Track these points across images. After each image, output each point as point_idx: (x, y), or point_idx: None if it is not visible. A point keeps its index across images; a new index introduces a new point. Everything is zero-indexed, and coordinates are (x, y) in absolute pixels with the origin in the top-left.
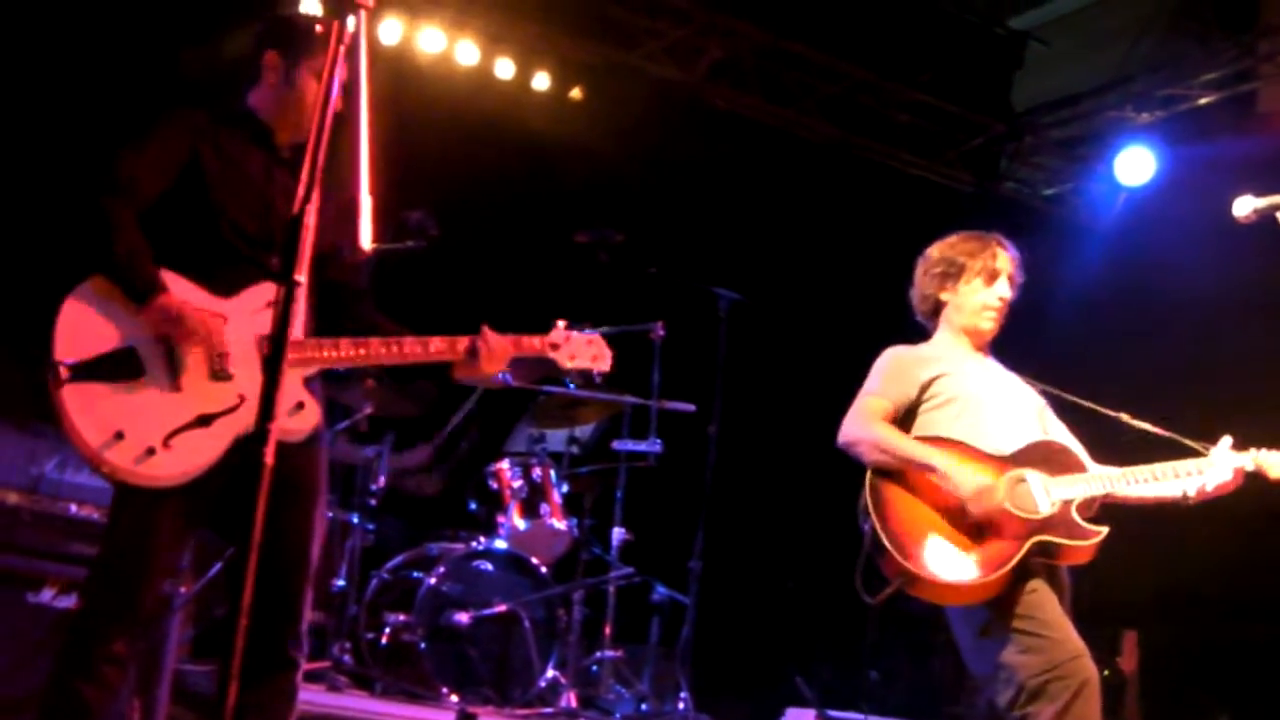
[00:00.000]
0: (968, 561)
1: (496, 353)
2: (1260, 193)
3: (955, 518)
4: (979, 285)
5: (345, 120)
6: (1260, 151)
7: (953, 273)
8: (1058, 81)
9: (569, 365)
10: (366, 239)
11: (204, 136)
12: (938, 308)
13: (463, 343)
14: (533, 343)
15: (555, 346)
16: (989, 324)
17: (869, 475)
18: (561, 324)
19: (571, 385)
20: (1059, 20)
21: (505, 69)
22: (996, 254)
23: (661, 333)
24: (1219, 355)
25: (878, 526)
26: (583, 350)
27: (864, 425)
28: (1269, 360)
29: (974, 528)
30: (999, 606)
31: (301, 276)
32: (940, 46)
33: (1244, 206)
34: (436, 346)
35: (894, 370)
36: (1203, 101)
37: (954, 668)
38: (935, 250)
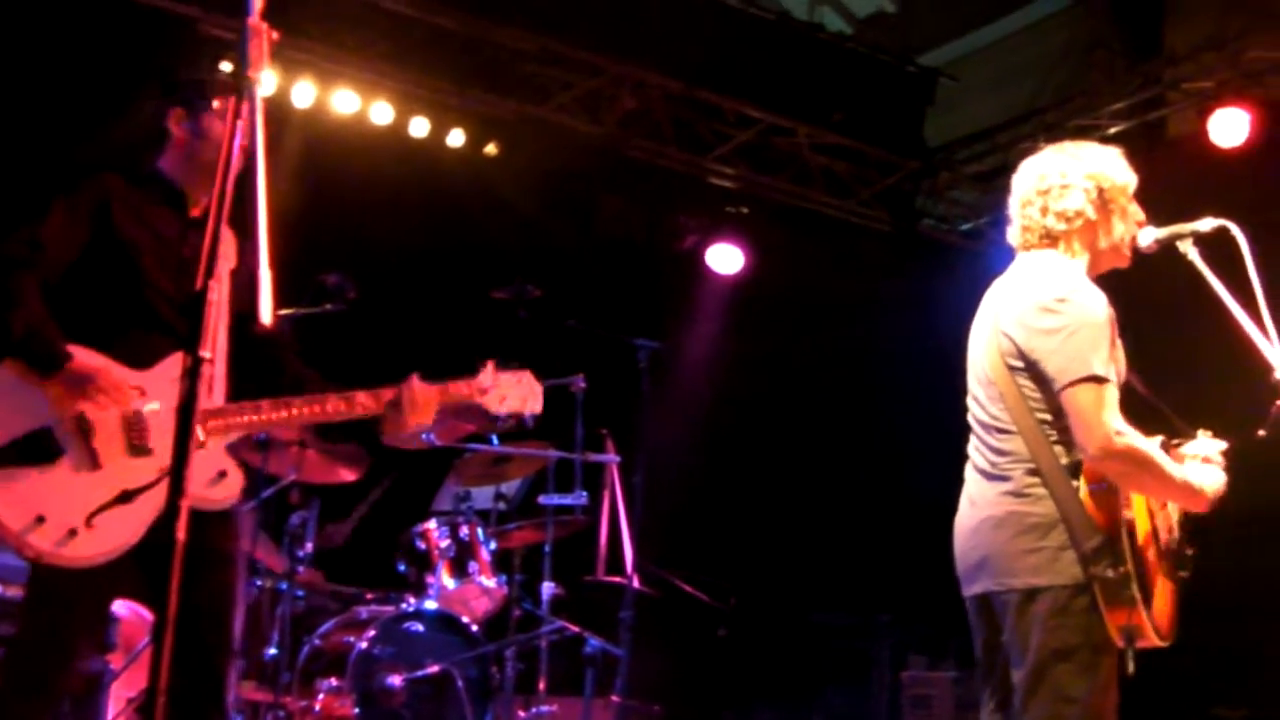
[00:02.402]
0: None
1: (423, 402)
2: (1171, 219)
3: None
4: None
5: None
6: (1169, 178)
7: None
8: (970, 117)
9: (499, 409)
10: (267, 312)
11: (118, 201)
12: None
13: (388, 394)
14: (460, 388)
15: (484, 390)
16: None
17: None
18: (490, 365)
19: (495, 441)
20: (968, 56)
21: (420, 127)
22: None
23: (583, 385)
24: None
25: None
26: (513, 391)
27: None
28: (1182, 373)
29: None
30: None
31: (207, 352)
32: (851, 86)
33: (1146, 237)
34: (361, 400)
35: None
36: (1113, 130)
37: (890, 705)
38: None
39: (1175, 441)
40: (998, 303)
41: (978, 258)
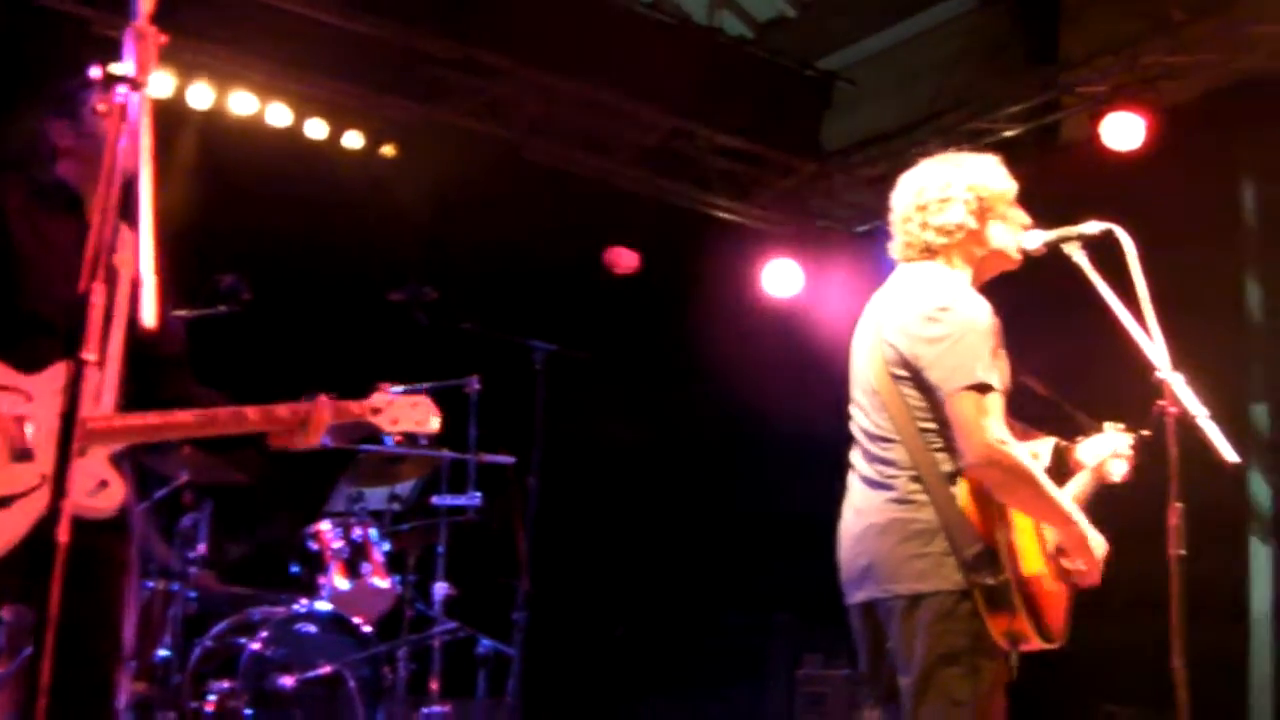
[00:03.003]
0: None
1: (320, 422)
2: (1065, 221)
3: None
4: None
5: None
6: (1064, 181)
7: None
8: (868, 120)
9: (391, 429)
10: (150, 316)
11: (13, 204)
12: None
13: (281, 411)
14: (350, 409)
15: (377, 411)
16: None
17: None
18: (386, 387)
19: (390, 441)
20: (866, 60)
21: (317, 129)
22: None
23: (477, 386)
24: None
25: None
26: (407, 414)
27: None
28: (1075, 375)
29: None
30: None
31: (91, 355)
32: (751, 90)
33: (1034, 240)
34: (253, 417)
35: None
36: (1008, 134)
37: (785, 703)
38: None
39: (1075, 440)
40: (881, 312)
41: (874, 259)
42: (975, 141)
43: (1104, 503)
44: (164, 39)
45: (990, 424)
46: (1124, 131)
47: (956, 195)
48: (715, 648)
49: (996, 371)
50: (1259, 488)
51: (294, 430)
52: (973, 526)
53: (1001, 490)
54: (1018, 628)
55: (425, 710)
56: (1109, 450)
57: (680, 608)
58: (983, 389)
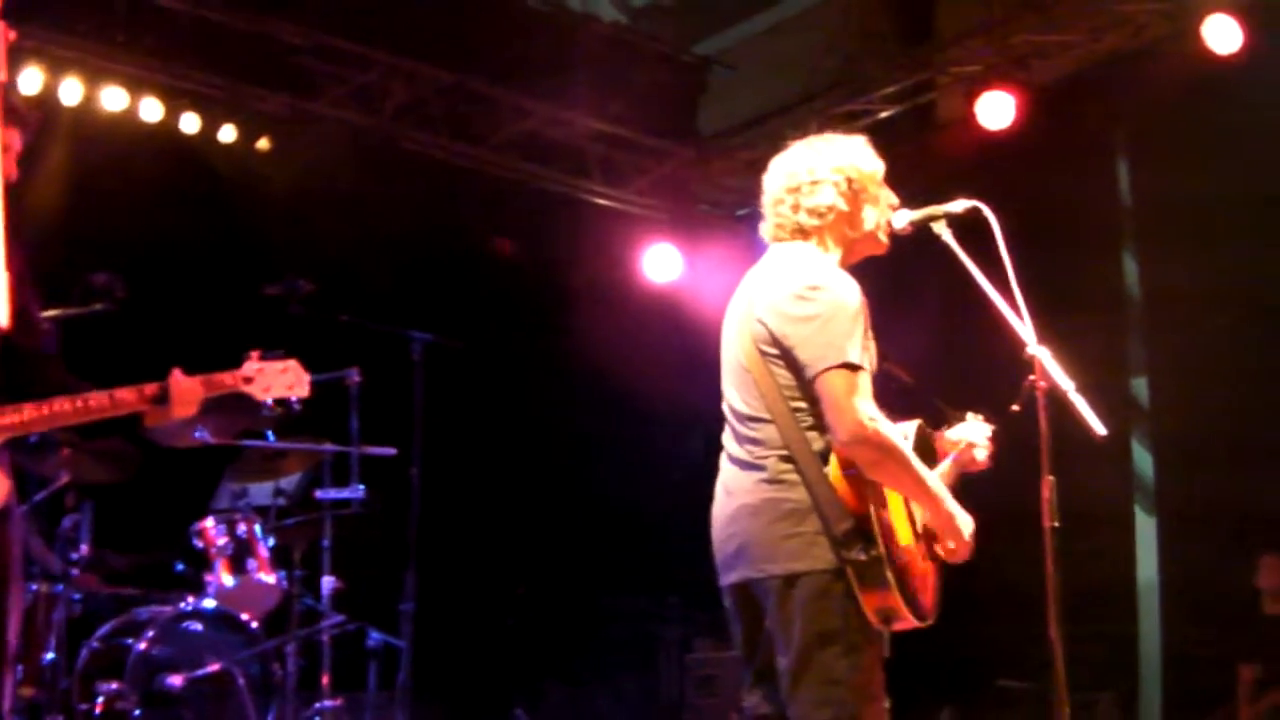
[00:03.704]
0: None
1: (186, 394)
2: (941, 200)
3: None
4: None
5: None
6: (939, 160)
7: None
8: (743, 104)
9: (264, 397)
10: (1, 314)
11: None
12: None
13: (150, 389)
14: (224, 379)
15: (249, 380)
16: None
17: None
18: (255, 355)
19: (271, 437)
20: (742, 44)
21: (190, 123)
22: None
23: (357, 379)
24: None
25: None
26: (278, 379)
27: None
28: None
29: None
30: None
31: None
32: (626, 76)
33: (901, 220)
34: (122, 396)
35: None
36: (884, 115)
37: (678, 682)
38: None
39: (941, 429)
40: (752, 291)
41: (754, 241)
42: (852, 123)
43: (994, 484)
44: (13, 35)
45: (860, 402)
46: (997, 110)
47: (827, 177)
48: (606, 633)
49: (866, 353)
50: (1141, 460)
51: (167, 407)
52: (844, 504)
53: (872, 468)
54: (890, 604)
55: (316, 705)
56: (970, 438)
57: (570, 595)
58: (852, 368)
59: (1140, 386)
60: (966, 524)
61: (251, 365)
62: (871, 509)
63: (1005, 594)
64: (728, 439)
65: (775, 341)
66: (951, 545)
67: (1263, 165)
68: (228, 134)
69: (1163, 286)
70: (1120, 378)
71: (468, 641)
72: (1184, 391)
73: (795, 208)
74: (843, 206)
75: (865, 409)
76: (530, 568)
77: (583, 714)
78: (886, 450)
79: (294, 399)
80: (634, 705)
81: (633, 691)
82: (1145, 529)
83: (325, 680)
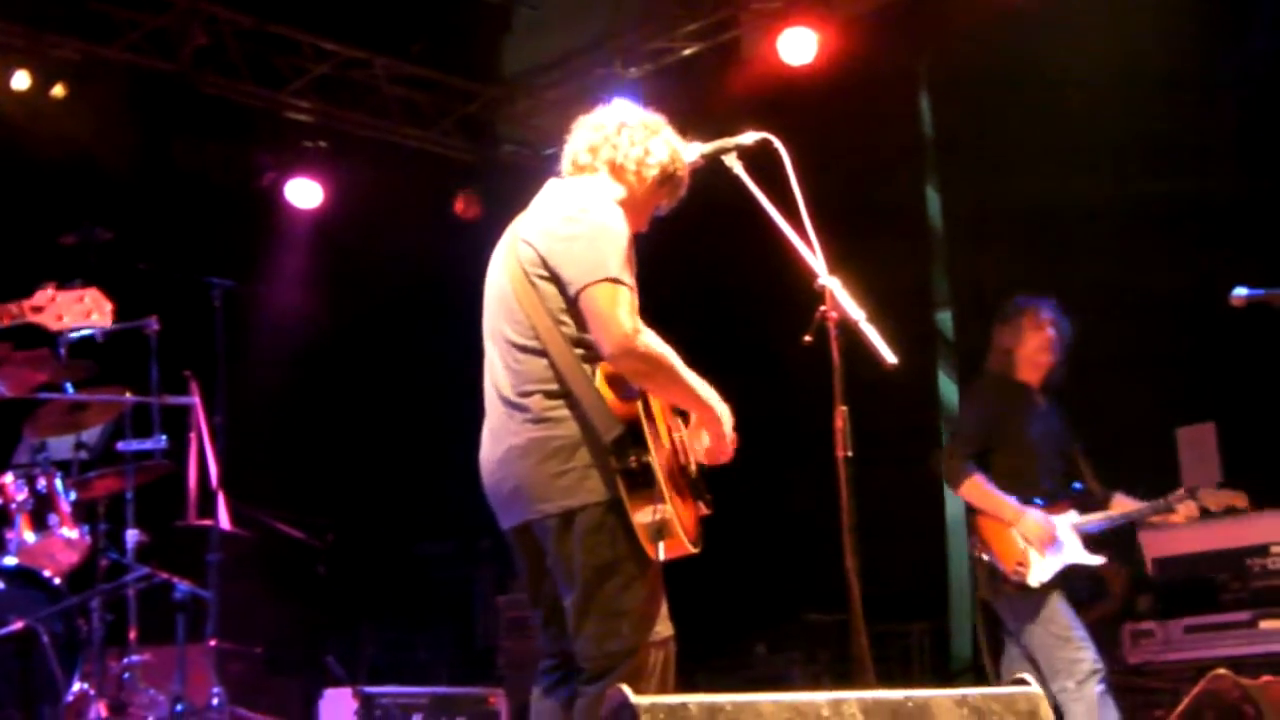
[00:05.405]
0: None
1: None
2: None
3: None
4: None
5: None
6: (744, 97)
7: None
8: (548, 44)
9: (58, 326)
10: None
11: None
12: None
13: None
14: (9, 309)
15: (38, 309)
16: None
17: None
18: (50, 285)
19: (69, 389)
20: None
21: None
22: None
23: (156, 327)
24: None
25: None
26: (73, 308)
27: None
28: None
29: None
30: None
31: None
32: (428, 17)
33: (692, 153)
34: None
35: None
36: (687, 52)
37: (492, 625)
38: None
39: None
40: (520, 221)
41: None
42: (657, 61)
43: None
44: None
45: (624, 314)
46: (799, 46)
47: (636, 125)
48: (421, 578)
49: (629, 274)
50: (948, 390)
51: None
52: (611, 412)
53: (640, 378)
54: (661, 515)
55: (124, 660)
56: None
57: (382, 541)
58: (617, 283)
59: (945, 320)
60: (728, 421)
61: (43, 294)
62: (640, 414)
63: (811, 527)
64: (491, 378)
65: (543, 262)
66: (708, 442)
67: (1061, 95)
68: (21, 81)
69: (965, 218)
70: (925, 310)
71: (277, 591)
72: (988, 323)
73: (594, 150)
74: (643, 156)
75: (630, 321)
76: (340, 514)
77: (397, 660)
78: (652, 360)
79: (96, 330)
80: (449, 650)
81: (447, 635)
82: None
83: (133, 635)
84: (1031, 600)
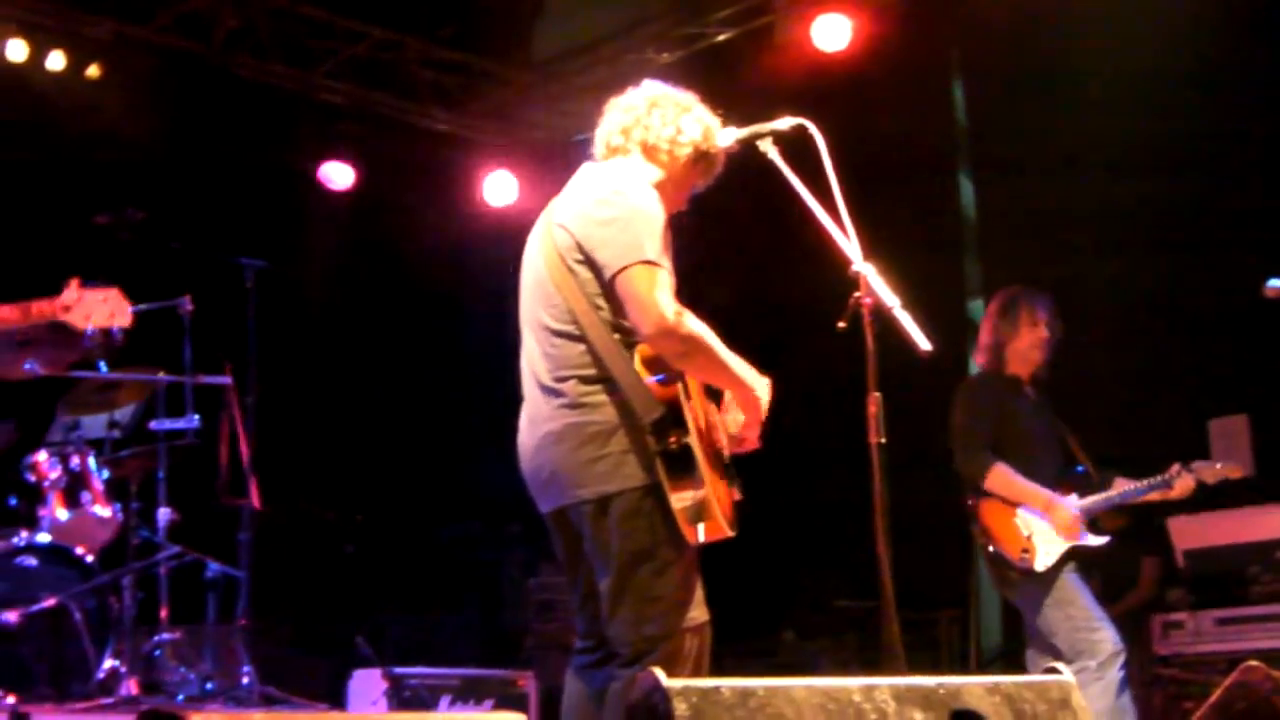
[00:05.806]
0: None
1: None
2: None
3: None
4: None
5: None
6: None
7: None
8: (580, 29)
9: (85, 326)
10: None
11: None
12: None
13: None
14: (43, 306)
15: (67, 308)
16: None
17: None
18: (75, 282)
19: (103, 368)
20: None
21: (17, 51)
22: None
23: (190, 307)
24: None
25: None
26: (98, 308)
27: None
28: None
29: None
30: None
31: None
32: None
33: (727, 137)
34: None
35: None
36: (721, 38)
37: (520, 608)
38: None
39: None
40: (554, 206)
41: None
42: (689, 46)
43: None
44: None
45: (662, 296)
46: (833, 32)
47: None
48: (449, 560)
49: (665, 257)
50: None
51: None
52: (650, 392)
53: (680, 359)
54: (701, 497)
55: (155, 638)
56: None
57: (411, 522)
58: (652, 264)
59: (977, 308)
60: (766, 396)
61: (70, 293)
62: (680, 396)
63: (843, 515)
64: (529, 364)
65: (578, 247)
66: (741, 418)
67: (1094, 86)
68: (56, 61)
69: (998, 206)
70: (957, 299)
71: (307, 571)
72: None
73: (626, 131)
74: (675, 135)
75: (667, 302)
76: (369, 496)
77: (426, 642)
78: (691, 341)
79: (115, 328)
80: (477, 632)
81: (475, 619)
82: None
83: (164, 613)
84: (1043, 584)
